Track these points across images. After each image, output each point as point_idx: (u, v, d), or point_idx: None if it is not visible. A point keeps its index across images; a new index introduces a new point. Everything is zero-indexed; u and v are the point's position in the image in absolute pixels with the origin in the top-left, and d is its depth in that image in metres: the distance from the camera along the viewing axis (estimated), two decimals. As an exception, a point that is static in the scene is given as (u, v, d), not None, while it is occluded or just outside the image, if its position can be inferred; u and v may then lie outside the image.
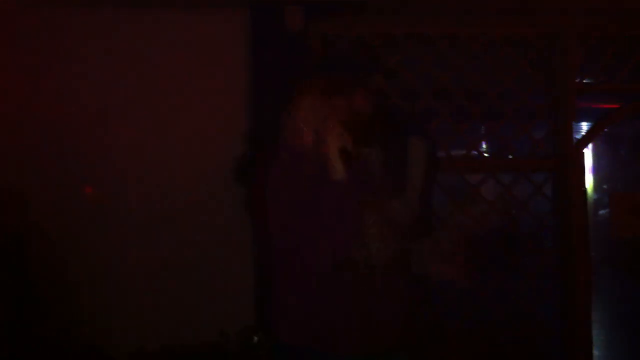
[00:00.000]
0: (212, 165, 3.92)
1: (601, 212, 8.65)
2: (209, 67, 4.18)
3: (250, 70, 4.18)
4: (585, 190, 4.74)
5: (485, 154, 5.03)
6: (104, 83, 4.14)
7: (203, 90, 4.17)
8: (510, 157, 4.59)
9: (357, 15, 4.36)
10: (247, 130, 3.52)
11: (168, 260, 4.10)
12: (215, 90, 4.17)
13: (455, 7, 4.36)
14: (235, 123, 4.02)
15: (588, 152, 9.15)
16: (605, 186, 9.12)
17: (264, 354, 3.78)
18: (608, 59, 4.62)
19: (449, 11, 4.39)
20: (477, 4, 4.34)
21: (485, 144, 5.07)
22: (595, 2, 4.35)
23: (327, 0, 4.23)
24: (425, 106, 4.43)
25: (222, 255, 4.08)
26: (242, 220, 3.68)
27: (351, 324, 2.21)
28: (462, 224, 2.27)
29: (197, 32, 4.18)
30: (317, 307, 2.23)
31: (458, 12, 4.41)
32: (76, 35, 4.15)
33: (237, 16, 4.18)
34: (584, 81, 4.68)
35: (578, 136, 4.67)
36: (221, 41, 4.20)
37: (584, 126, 7.26)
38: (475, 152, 4.69)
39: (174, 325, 4.04)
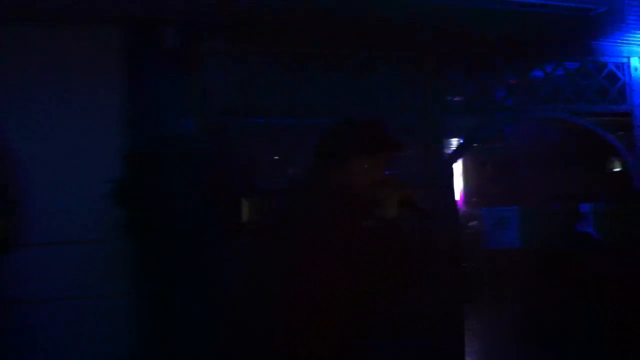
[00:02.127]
0: (88, 187, 3.79)
1: (471, 224, 9.07)
2: (84, 84, 4.05)
3: (126, 88, 4.09)
4: (455, 203, 4.98)
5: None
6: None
7: (82, 106, 4.03)
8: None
9: (235, 35, 4.39)
10: (128, 152, 3.43)
11: (43, 291, 3.91)
12: (94, 106, 4.05)
13: (331, 28, 4.49)
14: (114, 141, 3.91)
15: (459, 167, 9.59)
16: (474, 199, 9.58)
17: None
18: (474, 77, 4.93)
19: (324, 31, 4.51)
20: (352, 26, 4.49)
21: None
22: (458, 25, 4.61)
23: (203, 20, 4.22)
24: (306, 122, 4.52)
25: (99, 280, 3.94)
26: (120, 242, 3.60)
27: None
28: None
29: (74, 48, 4.05)
30: None
31: (334, 32, 4.54)
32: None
33: (115, 33, 4.09)
34: (454, 99, 4.94)
35: (450, 152, 4.92)
36: (97, 59, 4.09)
37: (455, 142, 7.61)
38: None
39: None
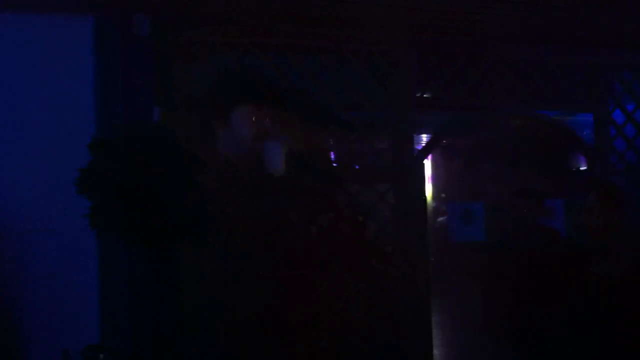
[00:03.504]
0: (56, 176, 3.75)
1: (439, 219, 9.15)
2: (53, 71, 4.00)
3: (96, 76, 4.06)
4: (424, 198, 5.02)
5: (334, 164, 5.17)
6: None
7: (46, 95, 3.98)
8: (357, 167, 4.78)
9: (207, 25, 4.38)
10: (93, 139, 3.39)
11: (6, 277, 3.87)
12: (60, 95, 4.00)
13: (302, 19, 4.49)
14: (81, 131, 3.87)
15: (428, 163, 9.66)
16: (443, 195, 9.68)
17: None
18: (445, 74, 4.97)
19: (298, 23, 4.51)
20: (322, 17, 4.48)
21: (334, 155, 5.23)
22: (430, 20, 4.63)
23: (176, 9, 4.20)
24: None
25: (65, 271, 3.90)
26: (85, 233, 3.56)
27: None
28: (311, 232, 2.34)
29: (39, 35, 3.99)
30: None
31: (306, 23, 4.54)
32: None
33: (82, 20, 4.04)
34: (424, 96, 4.97)
35: (420, 147, 4.96)
36: (66, 45, 4.03)
37: (425, 138, 7.67)
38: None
39: (11, 345, 3.81)
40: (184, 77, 4.35)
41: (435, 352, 4.93)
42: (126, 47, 4.08)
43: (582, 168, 6.70)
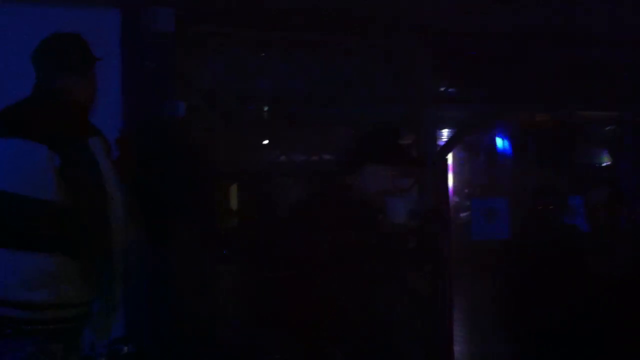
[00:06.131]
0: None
1: (462, 214, 9.10)
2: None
3: (124, 71, 4.09)
4: (446, 194, 5.01)
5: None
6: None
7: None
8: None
9: (230, 19, 4.38)
10: (119, 133, 3.43)
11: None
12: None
13: (315, 16, 4.48)
14: (109, 127, 3.91)
15: (450, 158, 9.61)
16: (466, 190, 9.63)
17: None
18: (467, 72, 4.94)
19: (315, 17, 4.50)
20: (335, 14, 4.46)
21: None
22: (451, 22, 4.61)
23: (196, 3, 4.21)
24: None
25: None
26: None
27: None
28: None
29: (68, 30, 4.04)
30: None
31: (318, 20, 4.52)
32: None
33: (108, 15, 4.07)
34: (447, 91, 4.95)
35: (442, 143, 4.95)
36: (93, 40, 4.07)
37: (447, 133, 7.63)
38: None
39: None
40: (206, 71, 4.35)
41: (457, 348, 4.93)
42: (151, 42, 4.10)
43: (604, 164, 6.65)
